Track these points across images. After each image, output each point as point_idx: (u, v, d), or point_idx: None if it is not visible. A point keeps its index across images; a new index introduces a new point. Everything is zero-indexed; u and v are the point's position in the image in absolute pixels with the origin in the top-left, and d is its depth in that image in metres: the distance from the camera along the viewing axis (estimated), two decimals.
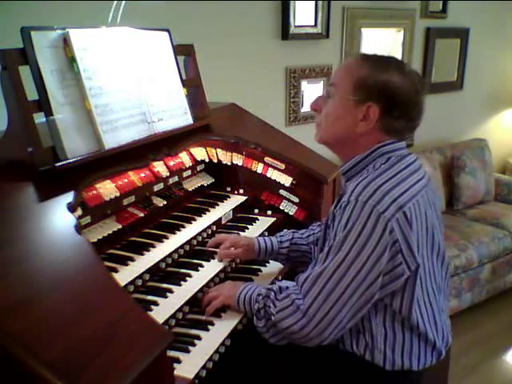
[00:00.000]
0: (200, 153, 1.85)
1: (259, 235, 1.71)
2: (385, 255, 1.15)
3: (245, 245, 1.58)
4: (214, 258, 1.54)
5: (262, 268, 1.65)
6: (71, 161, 1.25)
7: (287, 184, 1.90)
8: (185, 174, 1.82)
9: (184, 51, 1.80)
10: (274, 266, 1.67)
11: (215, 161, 1.92)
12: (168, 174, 1.64)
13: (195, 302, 1.39)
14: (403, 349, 1.25)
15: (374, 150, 1.28)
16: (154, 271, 1.37)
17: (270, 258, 1.64)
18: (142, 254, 1.38)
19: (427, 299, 1.27)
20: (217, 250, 1.57)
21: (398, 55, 3.54)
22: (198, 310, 1.39)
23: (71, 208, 1.15)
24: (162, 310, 1.25)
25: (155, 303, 1.27)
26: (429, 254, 1.26)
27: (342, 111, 1.29)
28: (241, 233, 1.73)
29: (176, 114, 1.65)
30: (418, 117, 1.29)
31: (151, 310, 1.24)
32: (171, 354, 1.16)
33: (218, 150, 1.90)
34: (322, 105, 1.35)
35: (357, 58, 1.31)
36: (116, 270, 1.28)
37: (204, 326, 1.32)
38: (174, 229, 1.55)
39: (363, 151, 1.29)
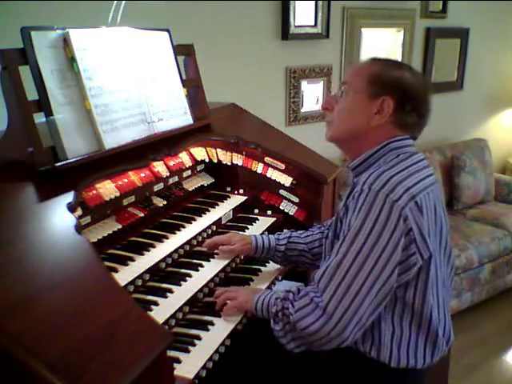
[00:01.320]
0: (200, 153, 1.85)
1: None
2: (400, 243, 1.15)
3: (240, 240, 1.57)
4: (214, 258, 1.54)
5: (262, 268, 1.66)
6: (71, 161, 1.25)
7: (287, 184, 1.90)
8: (185, 174, 1.82)
9: (184, 51, 1.80)
10: (274, 266, 1.67)
11: (215, 161, 1.92)
12: (168, 173, 1.64)
13: (195, 302, 1.39)
14: (409, 346, 1.25)
15: (384, 145, 1.29)
16: (154, 271, 1.37)
17: (267, 256, 1.63)
18: (142, 254, 1.38)
19: (436, 292, 1.27)
20: (217, 250, 1.58)
21: (398, 55, 3.54)
22: (197, 310, 1.39)
23: (71, 208, 1.15)
24: (162, 310, 1.25)
25: (155, 303, 1.27)
26: (437, 247, 1.26)
27: (356, 105, 1.31)
28: (241, 232, 1.73)
29: (176, 114, 1.65)
30: (426, 114, 1.33)
31: (151, 310, 1.24)
32: (171, 353, 1.16)
33: (218, 150, 1.90)
34: (333, 104, 1.36)
35: (368, 60, 1.37)
36: (116, 270, 1.28)
37: (204, 325, 1.32)
38: (173, 229, 1.55)
39: (374, 146, 1.30)
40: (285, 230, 1.68)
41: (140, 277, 1.30)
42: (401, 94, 1.27)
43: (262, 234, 1.74)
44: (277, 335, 1.26)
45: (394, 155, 1.28)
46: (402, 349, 1.25)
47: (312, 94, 3.12)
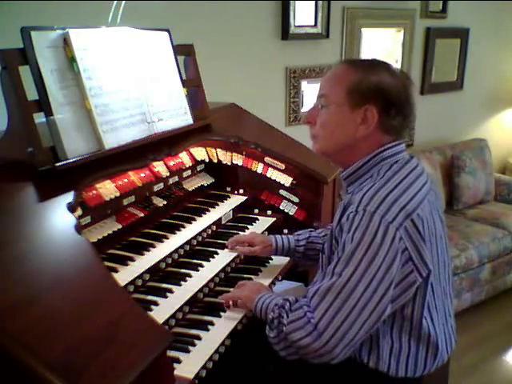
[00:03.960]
0: (200, 153, 1.85)
1: None
2: (395, 264, 1.13)
3: (261, 242, 1.60)
4: (213, 258, 1.54)
5: (262, 268, 1.65)
6: (71, 161, 1.25)
7: (287, 184, 1.90)
8: (185, 174, 1.82)
9: (184, 51, 1.80)
10: (274, 266, 1.67)
11: (215, 161, 1.92)
12: (168, 174, 1.64)
13: (195, 302, 1.39)
14: (408, 359, 1.25)
15: (376, 154, 1.27)
16: (154, 271, 1.37)
17: (286, 256, 1.66)
18: (142, 254, 1.38)
19: (435, 304, 1.26)
20: (218, 250, 1.58)
21: (398, 55, 3.55)
22: (197, 310, 1.39)
23: (71, 208, 1.15)
24: (162, 310, 1.25)
25: (155, 303, 1.27)
26: (436, 259, 1.25)
27: (339, 118, 1.27)
28: (241, 233, 1.73)
29: (176, 114, 1.65)
30: (411, 113, 1.29)
31: (151, 310, 1.24)
32: (171, 354, 1.15)
33: (218, 150, 1.90)
34: (315, 117, 1.32)
35: (343, 65, 1.31)
36: (116, 270, 1.28)
37: (204, 325, 1.32)
38: (174, 229, 1.55)
39: (364, 156, 1.28)
40: (304, 230, 1.68)
41: (140, 277, 1.30)
42: (383, 100, 1.23)
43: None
44: (271, 341, 1.26)
45: (387, 166, 1.25)
46: (401, 362, 1.25)
47: (312, 94, 3.12)
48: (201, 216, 1.68)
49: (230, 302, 1.39)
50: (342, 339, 1.14)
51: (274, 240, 1.61)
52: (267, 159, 1.90)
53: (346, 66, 1.31)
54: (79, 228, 1.11)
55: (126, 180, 1.46)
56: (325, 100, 1.29)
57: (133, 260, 1.34)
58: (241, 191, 1.94)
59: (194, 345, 1.23)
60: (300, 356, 1.22)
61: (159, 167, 1.60)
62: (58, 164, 1.22)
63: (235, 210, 1.84)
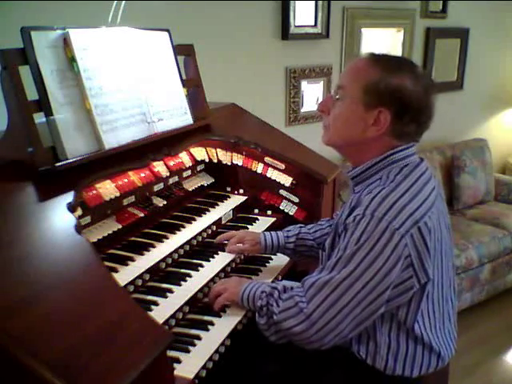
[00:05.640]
0: (200, 153, 1.85)
1: None
2: (395, 269, 1.13)
3: (250, 240, 1.60)
4: (214, 258, 1.54)
5: (262, 268, 1.65)
6: (71, 161, 1.25)
7: (287, 184, 1.90)
8: (185, 174, 1.82)
9: (184, 51, 1.80)
10: (273, 266, 1.67)
11: (215, 161, 1.92)
12: (168, 174, 1.64)
13: (195, 302, 1.39)
14: (406, 358, 1.25)
15: (386, 156, 1.26)
16: (154, 271, 1.37)
17: (276, 252, 1.66)
18: (142, 254, 1.38)
19: (432, 310, 1.26)
20: (218, 250, 1.58)
21: (398, 55, 3.54)
22: (197, 310, 1.39)
23: (71, 208, 1.15)
24: (162, 310, 1.25)
25: (155, 303, 1.27)
26: (439, 265, 1.25)
27: (351, 115, 1.26)
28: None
29: (176, 114, 1.66)
30: (428, 120, 1.28)
31: (151, 310, 1.24)
32: (171, 354, 1.15)
33: (218, 150, 1.90)
34: (330, 107, 1.31)
35: (367, 60, 1.26)
36: (116, 270, 1.28)
37: (204, 325, 1.32)
38: (174, 229, 1.55)
39: (374, 156, 1.27)
40: (294, 226, 1.68)
41: (140, 277, 1.30)
42: (398, 106, 1.20)
43: (271, 230, 1.73)
44: (261, 328, 1.29)
45: (397, 169, 1.24)
46: (399, 361, 1.25)
47: (312, 94, 3.12)
48: (201, 216, 1.68)
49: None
50: (332, 330, 1.17)
51: (262, 238, 1.61)
52: (267, 159, 1.90)
53: (369, 61, 1.25)
54: (79, 228, 1.11)
55: (126, 180, 1.46)
56: (342, 92, 1.27)
57: (133, 260, 1.34)
58: (241, 191, 1.94)
59: (194, 345, 1.23)
60: (290, 340, 1.25)
61: (159, 167, 1.60)
62: (57, 164, 1.22)
63: (235, 209, 1.84)
